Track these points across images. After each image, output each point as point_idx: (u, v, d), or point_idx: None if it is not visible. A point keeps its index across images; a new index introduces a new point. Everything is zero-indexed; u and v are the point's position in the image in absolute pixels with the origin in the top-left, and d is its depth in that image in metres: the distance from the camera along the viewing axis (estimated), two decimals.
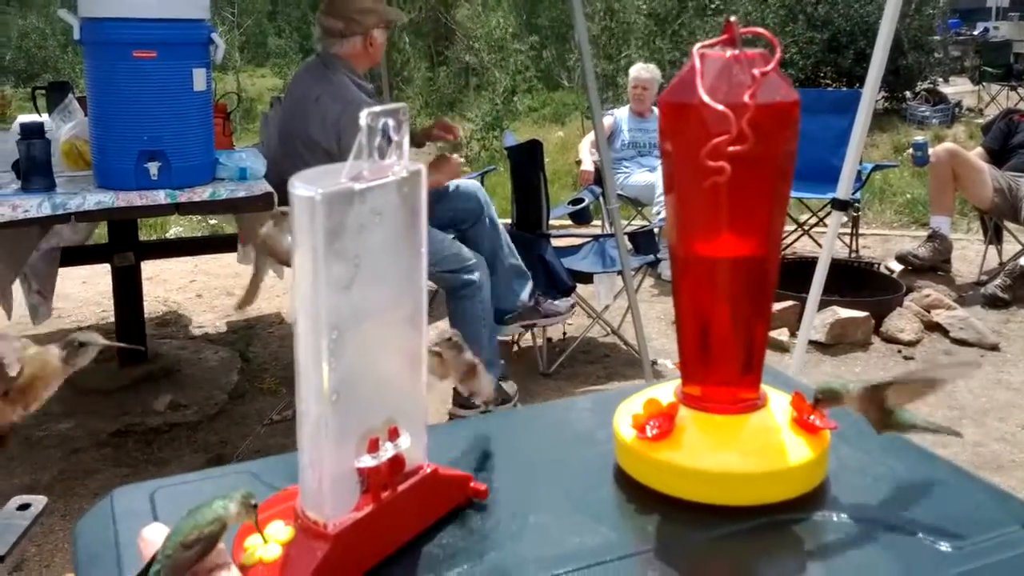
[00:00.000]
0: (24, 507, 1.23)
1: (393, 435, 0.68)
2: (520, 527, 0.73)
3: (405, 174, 0.64)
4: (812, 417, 0.76)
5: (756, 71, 0.68)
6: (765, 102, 0.67)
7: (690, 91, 0.68)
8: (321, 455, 0.64)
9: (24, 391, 0.74)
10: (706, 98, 0.66)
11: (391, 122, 0.62)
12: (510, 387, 3.66)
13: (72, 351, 0.74)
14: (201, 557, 0.57)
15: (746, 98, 0.66)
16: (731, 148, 0.66)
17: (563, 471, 0.83)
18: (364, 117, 0.59)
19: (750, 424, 0.77)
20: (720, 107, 0.66)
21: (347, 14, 3.27)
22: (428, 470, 0.72)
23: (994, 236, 5.37)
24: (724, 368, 0.78)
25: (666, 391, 0.81)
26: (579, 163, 5.81)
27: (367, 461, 0.66)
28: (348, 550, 0.64)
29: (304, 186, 0.58)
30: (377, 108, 0.61)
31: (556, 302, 3.96)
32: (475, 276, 3.45)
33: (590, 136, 5.87)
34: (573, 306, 4.02)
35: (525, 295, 3.72)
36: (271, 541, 0.65)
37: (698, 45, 0.70)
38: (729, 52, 0.70)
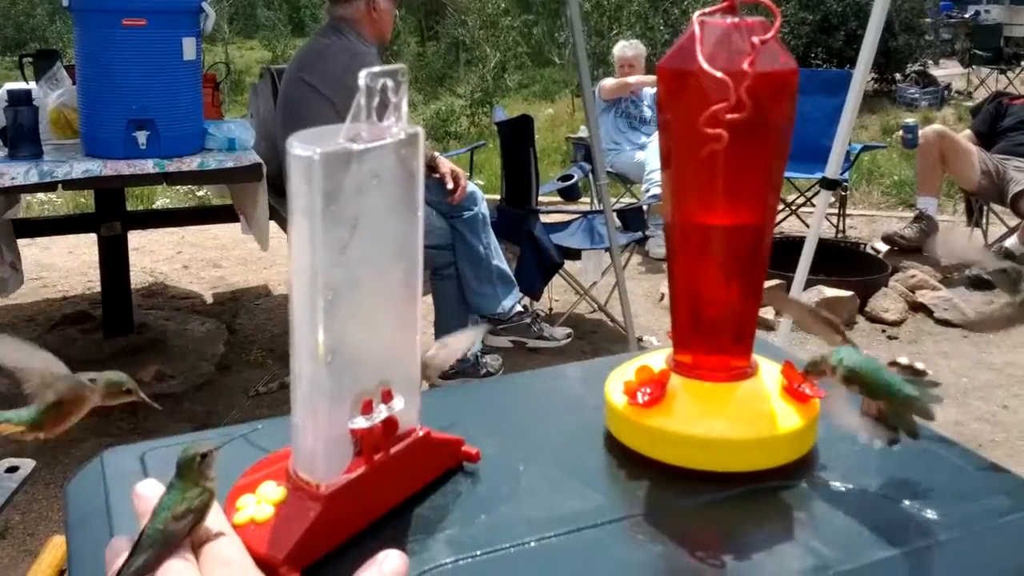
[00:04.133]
0: (12, 470, 1.23)
1: (387, 397, 0.68)
2: (511, 491, 0.73)
3: (403, 136, 0.64)
4: (802, 386, 0.77)
5: (755, 39, 0.67)
6: (764, 70, 0.67)
7: (689, 58, 0.68)
8: (315, 416, 0.64)
9: (56, 422, 0.74)
10: (705, 65, 0.66)
11: (390, 83, 0.62)
12: (494, 360, 3.68)
13: (113, 394, 0.74)
14: (194, 527, 0.57)
15: (745, 66, 0.66)
16: (729, 116, 0.66)
17: (554, 437, 0.84)
18: (363, 77, 0.59)
19: (741, 392, 0.78)
20: (719, 74, 0.66)
21: None
22: (421, 433, 0.72)
23: (979, 218, 5.40)
24: (716, 336, 0.79)
25: (658, 359, 0.82)
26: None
27: (360, 423, 0.66)
28: (340, 511, 0.65)
29: (302, 146, 0.58)
30: (376, 68, 0.60)
31: (555, 330, 3.96)
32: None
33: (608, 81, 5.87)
34: (569, 335, 4.01)
35: (508, 302, 3.67)
36: (263, 501, 0.65)
37: (697, 12, 0.70)
38: (729, 19, 0.70)
